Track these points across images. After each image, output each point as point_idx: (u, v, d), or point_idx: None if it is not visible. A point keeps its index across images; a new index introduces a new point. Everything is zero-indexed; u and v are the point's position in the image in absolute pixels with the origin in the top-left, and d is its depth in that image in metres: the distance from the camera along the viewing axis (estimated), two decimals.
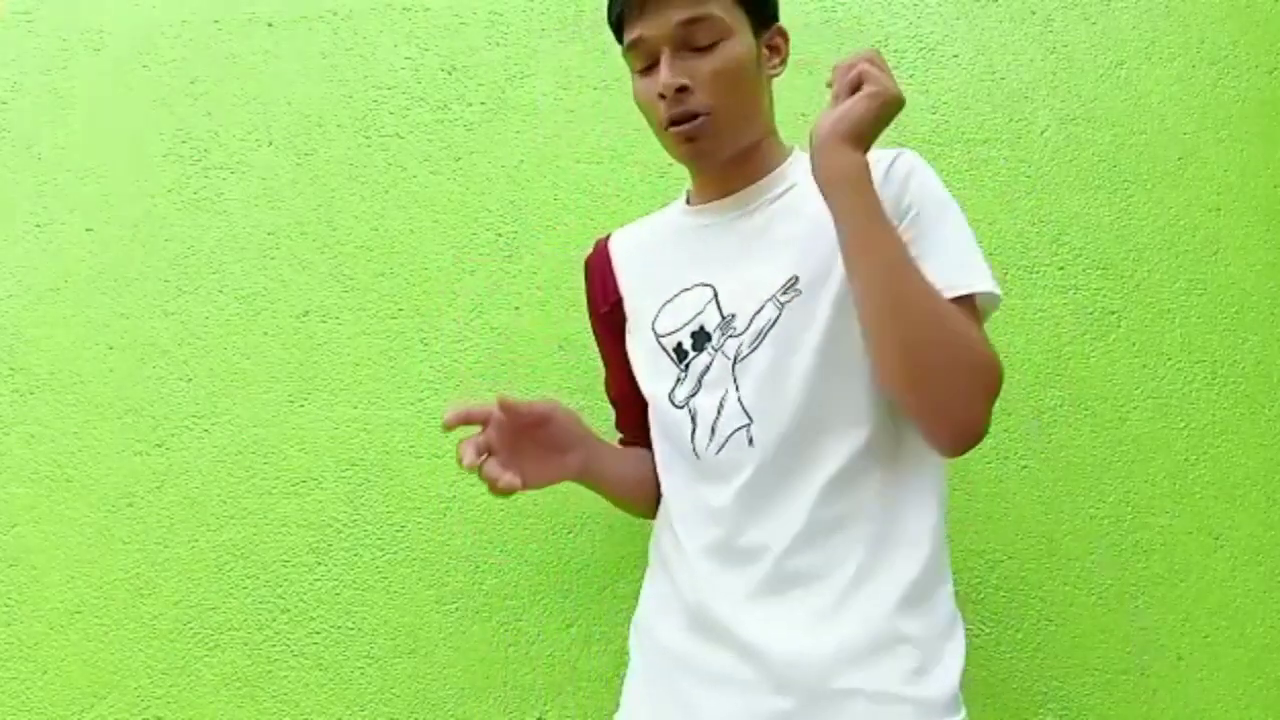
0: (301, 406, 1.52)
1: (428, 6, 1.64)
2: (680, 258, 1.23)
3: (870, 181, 1.04)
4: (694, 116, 1.13)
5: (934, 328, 1.03)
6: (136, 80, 1.62)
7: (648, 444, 1.25)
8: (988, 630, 1.47)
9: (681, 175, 1.58)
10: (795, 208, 1.17)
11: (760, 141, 1.20)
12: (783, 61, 1.22)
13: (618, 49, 1.71)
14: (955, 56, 1.63)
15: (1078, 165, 1.60)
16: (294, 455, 1.51)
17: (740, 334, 1.13)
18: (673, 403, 1.18)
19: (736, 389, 1.12)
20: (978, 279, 1.09)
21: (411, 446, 1.51)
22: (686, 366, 1.17)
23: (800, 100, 1.61)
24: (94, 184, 1.59)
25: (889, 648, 1.05)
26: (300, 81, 1.62)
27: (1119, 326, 1.56)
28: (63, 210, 1.59)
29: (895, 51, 1.63)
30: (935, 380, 1.05)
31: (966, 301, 1.08)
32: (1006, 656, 1.46)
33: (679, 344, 1.18)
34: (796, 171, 1.20)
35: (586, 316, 1.34)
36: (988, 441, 1.51)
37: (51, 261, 1.57)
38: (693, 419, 1.15)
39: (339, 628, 1.47)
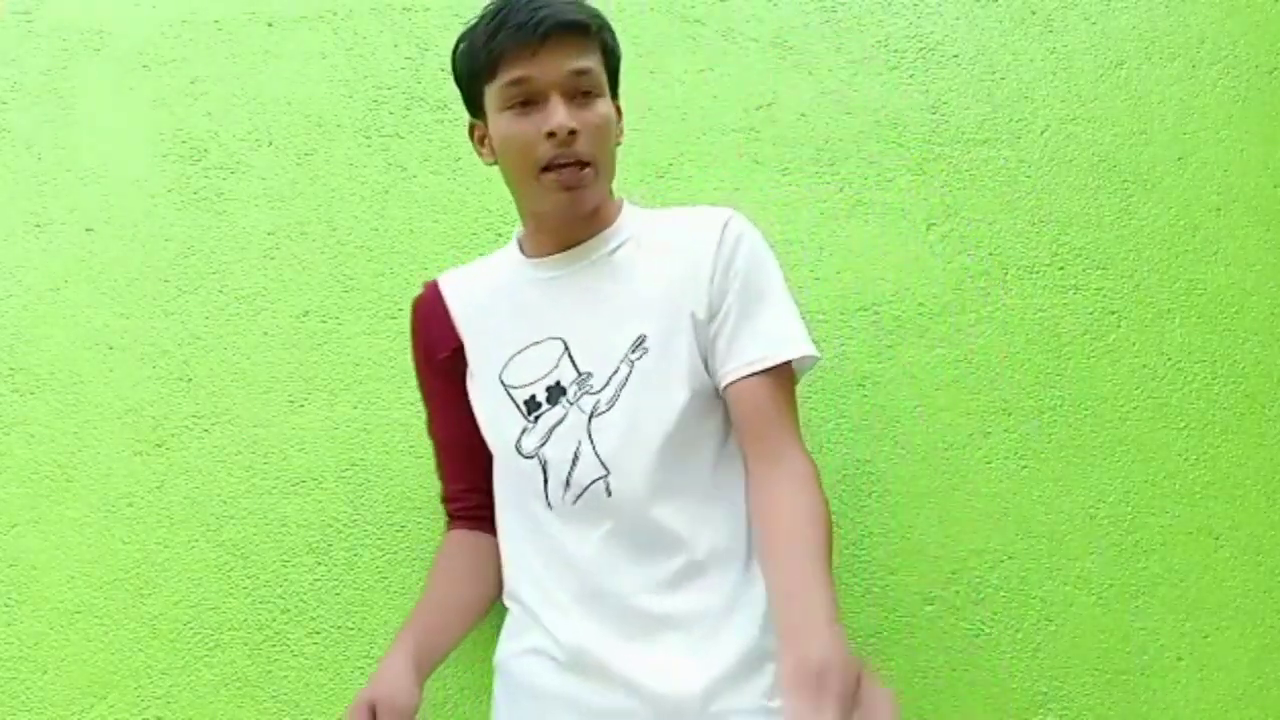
0: (301, 406, 1.52)
1: (428, 6, 1.64)
2: (525, 309, 1.25)
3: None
4: (581, 165, 1.16)
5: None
6: (136, 80, 1.62)
7: (477, 499, 1.30)
8: (988, 630, 1.47)
9: (681, 175, 1.59)
10: (633, 262, 1.23)
11: (604, 202, 1.25)
12: (622, 132, 1.26)
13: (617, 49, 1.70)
14: (955, 56, 1.63)
15: (1078, 165, 1.60)
16: (294, 455, 1.51)
17: (597, 391, 1.19)
18: (519, 451, 1.22)
19: (591, 442, 1.17)
20: (796, 347, 1.19)
21: (411, 446, 1.51)
22: (536, 418, 1.21)
23: (800, 102, 1.61)
24: (94, 184, 1.59)
25: (756, 667, 1.13)
26: (300, 81, 1.62)
27: (1119, 326, 1.56)
28: (63, 210, 1.59)
29: (895, 51, 1.63)
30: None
31: (786, 366, 1.19)
32: (1006, 656, 1.46)
33: (531, 396, 1.21)
34: (630, 225, 1.26)
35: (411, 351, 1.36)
36: (988, 441, 1.51)
37: (51, 261, 1.57)
38: (543, 469, 1.20)
39: (339, 628, 1.47)
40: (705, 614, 1.14)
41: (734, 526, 1.19)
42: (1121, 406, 1.53)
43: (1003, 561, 1.49)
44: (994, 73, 1.63)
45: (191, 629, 1.47)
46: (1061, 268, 1.57)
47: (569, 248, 1.25)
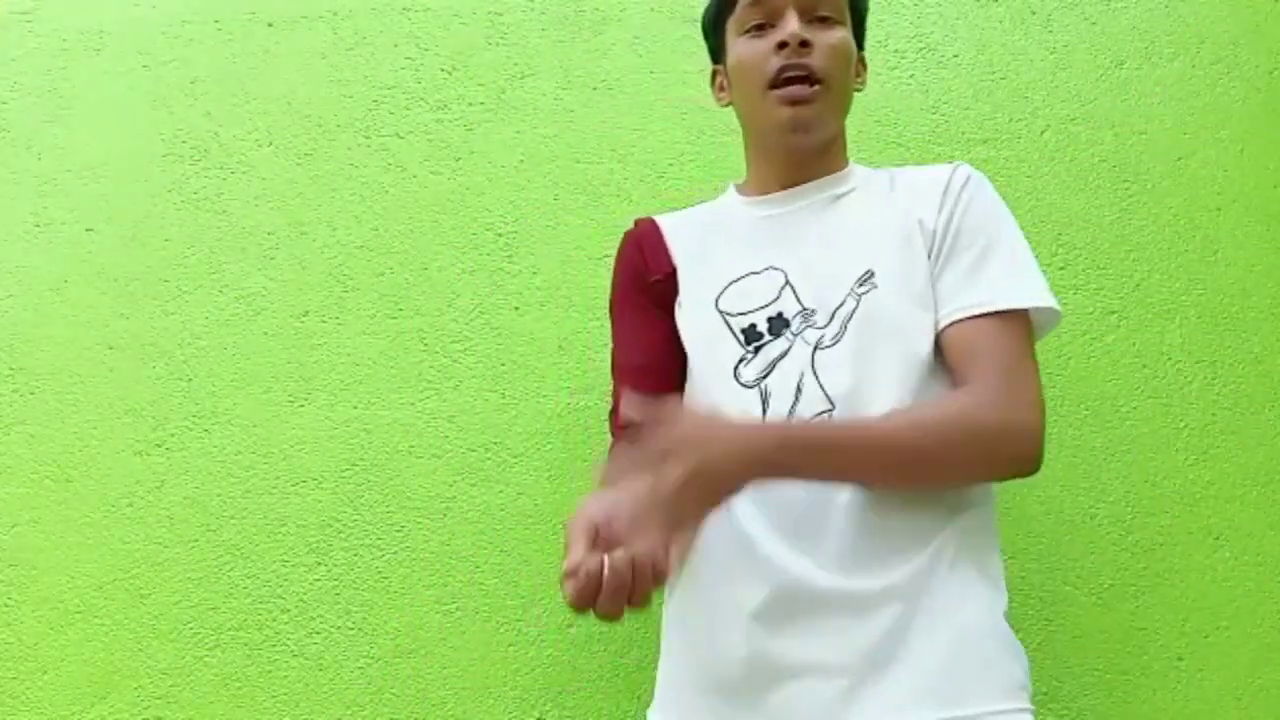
0: (301, 406, 1.52)
1: (428, 6, 1.64)
2: (742, 242, 1.22)
3: (783, 448, 1.00)
4: (809, 81, 1.15)
5: (934, 462, 1.05)
6: (136, 80, 1.62)
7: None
8: None
9: (680, 177, 1.59)
10: (859, 207, 1.20)
11: (837, 139, 1.24)
12: (863, 83, 1.26)
13: (618, 49, 1.72)
14: (955, 56, 1.63)
15: (1078, 165, 1.60)
16: (294, 455, 1.51)
17: (823, 326, 1.14)
18: (738, 380, 1.15)
19: (816, 375, 1.12)
20: (1029, 295, 1.11)
21: (411, 446, 1.51)
22: (757, 349, 1.15)
23: None
24: (94, 184, 1.59)
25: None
26: (300, 81, 1.62)
27: (1119, 326, 1.56)
28: (63, 210, 1.58)
29: (895, 52, 1.63)
30: (959, 477, 1.10)
31: (1019, 316, 1.10)
32: None
33: (751, 325, 1.17)
34: (859, 176, 1.24)
35: (610, 289, 1.31)
36: None
37: (51, 261, 1.57)
38: (764, 400, 1.13)
39: (339, 628, 1.47)
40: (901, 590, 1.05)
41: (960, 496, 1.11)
42: (1121, 406, 1.53)
43: (1002, 561, 1.49)
44: (994, 73, 1.63)
45: (191, 629, 1.47)
46: (1061, 268, 1.57)
47: (793, 185, 1.22)
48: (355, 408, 1.52)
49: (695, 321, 1.21)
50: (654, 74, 1.61)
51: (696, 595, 1.14)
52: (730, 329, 1.18)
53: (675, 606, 1.18)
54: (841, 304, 1.14)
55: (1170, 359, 1.55)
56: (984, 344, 1.09)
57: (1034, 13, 1.64)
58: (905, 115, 1.61)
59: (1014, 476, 1.12)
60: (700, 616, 1.13)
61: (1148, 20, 1.65)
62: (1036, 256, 1.56)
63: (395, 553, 1.48)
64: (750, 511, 1.09)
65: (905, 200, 1.18)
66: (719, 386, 1.16)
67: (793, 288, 1.17)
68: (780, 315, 1.16)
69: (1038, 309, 1.12)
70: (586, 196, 1.58)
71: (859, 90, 1.25)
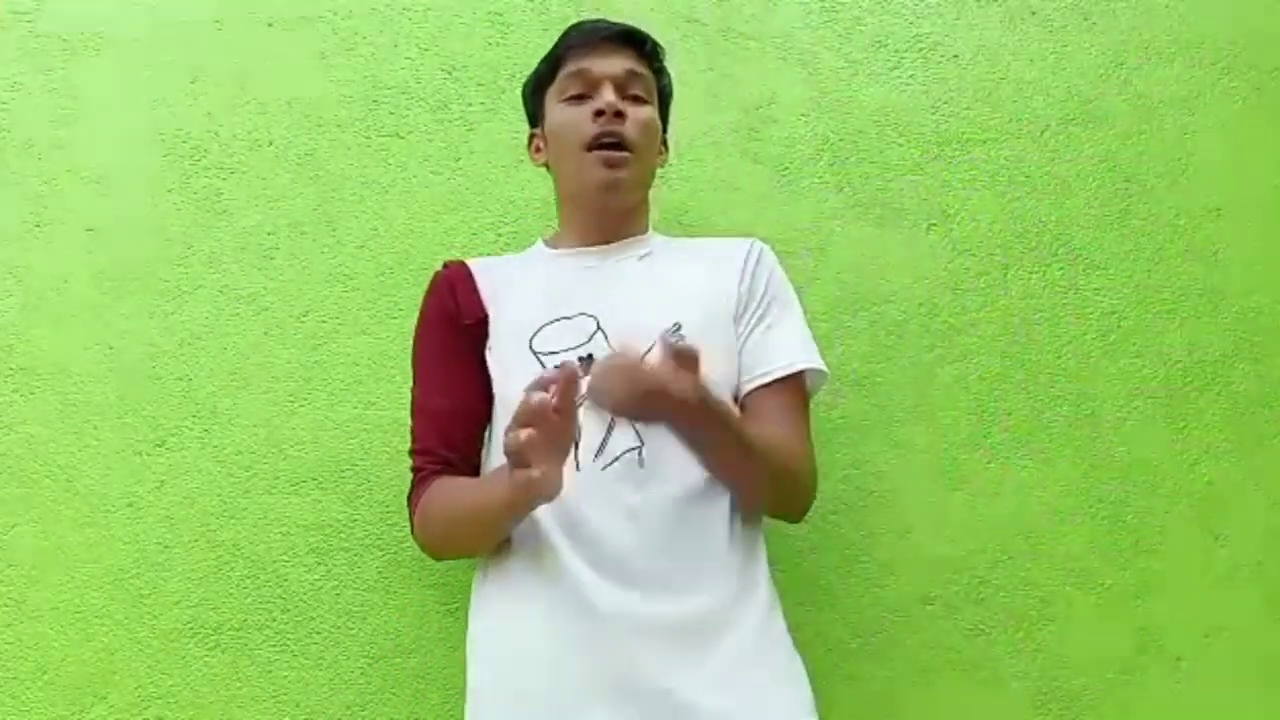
0: (301, 406, 1.52)
1: (428, 6, 1.64)
2: (556, 289, 1.29)
3: (692, 403, 1.06)
4: (623, 147, 1.25)
5: (756, 464, 1.17)
6: (136, 80, 1.62)
7: (464, 462, 1.27)
8: (988, 630, 1.47)
9: (681, 175, 1.59)
10: (663, 267, 1.31)
11: (641, 205, 1.35)
12: (664, 161, 1.39)
13: None
14: (955, 56, 1.63)
15: (1078, 165, 1.60)
16: (294, 455, 1.51)
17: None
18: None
19: None
20: (813, 358, 1.28)
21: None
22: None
23: (800, 102, 1.61)
24: (94, 184, 1.59)
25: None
26: (300, 81, 1.62)
27: (1119, 327, 1.56)
28: (63, 210, 1.58)
29: (895, 52, 1.63)
30: (766, 489, 1.22)
31: (797, 378, 1.26)
32: (1006, 656, 1.46)
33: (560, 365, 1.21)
34: (656, 242, 1.36)
35: (416, 330, 1.34)
36: (988, 441, 1.51)
37: (51, 261, 1.57)
38: (584, 442, 1.18)
39: (339, 628, 1.47)
40: (709, 614, 1.15)
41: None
42: (1121, 406, 1.53)
43: (1003, 561, 1.49)
44: (994, 73, 1.63)
45: (191, 629, 1.46)
46: (1062, 268, 1.57)
47: (604, 243, 1.32)
48: (355, 408, 1.52)
49: (508, 362, 1.26)
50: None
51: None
52: (543, 367, 1.22)
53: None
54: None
55: (1170, 359, 1.55)
56: (786, 404, 1.24)
57: (1034, 13, 1.64)
58: (905, 115, 1.61)
59: (786, 516, 1.28)
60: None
61: (1148, 20, 1.65)
62: (1037, 256, 1.58)
63: (395, 553, 1.48)
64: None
65: (706, 267, 1.30)
66: None
67: (604, 332, 1.23)
68: (591, 356, 1.22)
69: (813, 373, 1.28)
70: None
71: (661, 166, 1.37)
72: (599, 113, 1.25)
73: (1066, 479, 1.51)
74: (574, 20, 1.64)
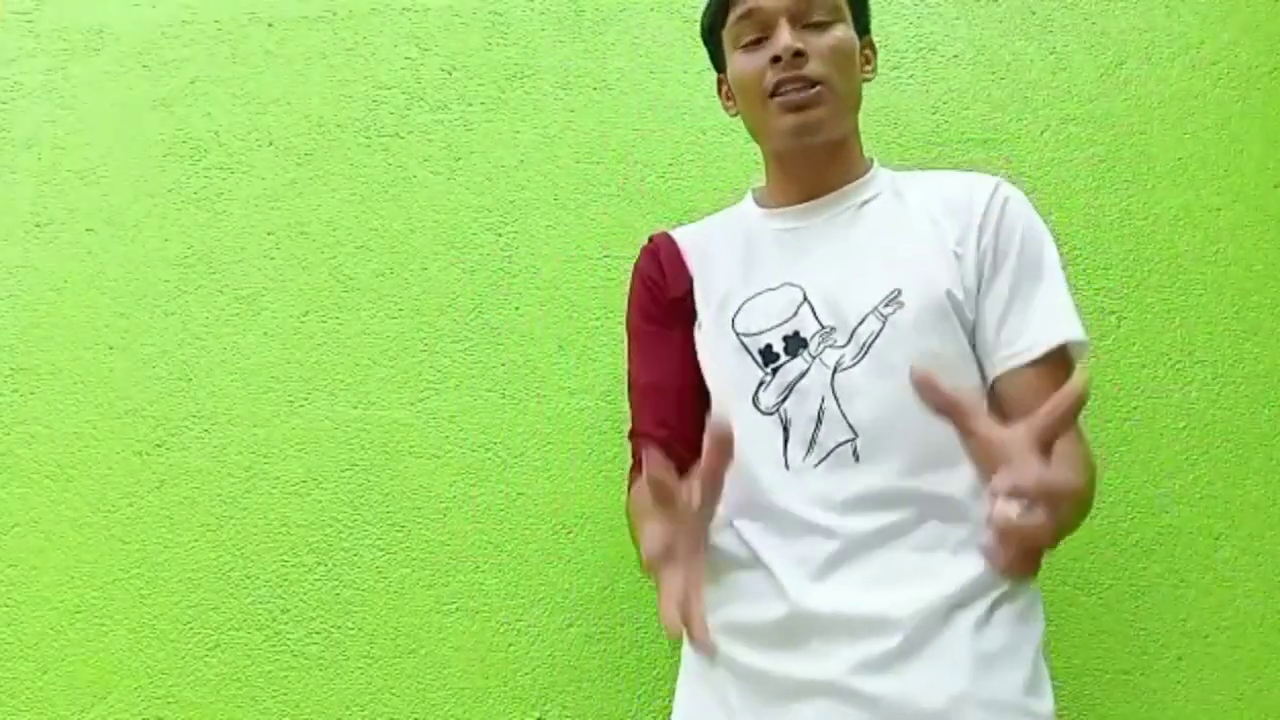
0: (301, 406, 1.52)
1: (428, 6, 1.64)
2: (761, 257, 1.18)
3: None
4: (807, 86, 1.12)
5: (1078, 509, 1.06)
6: (136, 80, 1.62)
7: (679, 441, 1.14)
8: None
9: (680, 176, 1.59)
10: (885, 217, 1.16)
11: (851, 139, 1.20)
12: (874, 68, 1.24)
13: (618, 49, 1.72)
14: (955, 56, 1.63)
15: (1078, 165, 1.60)
16: (294, 455, 1.51)
17: (842, 345, 1.10)
18: (758, 406, 1.11)
19: (837, 401, 1.08)
20: (1075, 327, 1.12)
21: (411, 447, 1.51)
22: (774, 370, 1.12)
23: None
24: (94, 184, 1.59)
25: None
26: (300, 81, 1.62)
27: (1119, 327, 1.56)
28: (63, 210, 1.58)
29: (895, 51, 1.63)
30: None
31: (1063, 351, 1.10)
32: None
33: (767, 345, 1.13)
34: (880, 180, 1.21)
35: (627, 305, 1.27)
36: None
37: (51, 261, 1.57)
38: (785, 427, 1.10)
39: (339, 628, 1.47)
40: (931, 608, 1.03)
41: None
42: (1121, 407, 1.53)
43: None
44: (994, 73, 1.63)
45: (191, 629, 1.46)
46: (1061, 268, 1.57)
47: (812, 198, 1.19)
48: (355, 408, 1.52)
49: (712, 343, 1.17)
50: (654, 74, 1.61)
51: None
52: (748, 350, 1.14)
53: None
54: (862, 322, 1.10)
55: (1170, 359, 1.55)
56: (1034, 393, 1.03)
57: (1034, 13, 1.64)
58: (905, 115, 1.61)
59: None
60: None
61: (1148, 20, 1.65)
62: None
63: (395, 553, 1.48)
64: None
65: (939, 213, 1.14)
66: (738, 412, 1.12)
67: (811, 305, 1.13)
68: (797, 334, 1.12)
69: (1076, 342, 1.11)
70: (586, 196, 1.58)
71: (868, 80, 1.22)
72: (776, 59, 1.12)
73: None
74: (571, 21, 1.65)
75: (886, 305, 1.10)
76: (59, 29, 1.63)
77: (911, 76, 1.62)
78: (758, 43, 1.15)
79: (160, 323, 1.55)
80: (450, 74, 1.63)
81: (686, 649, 1.16)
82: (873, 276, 1.12)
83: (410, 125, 1.61)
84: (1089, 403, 1.54)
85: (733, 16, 1.17)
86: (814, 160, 1.18)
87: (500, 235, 1.58)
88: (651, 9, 1.63)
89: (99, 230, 1.58)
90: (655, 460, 0.82)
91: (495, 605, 1.46)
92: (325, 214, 1.58)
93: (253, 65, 1.62)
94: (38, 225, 1.58)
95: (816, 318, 1.12)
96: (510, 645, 1.46)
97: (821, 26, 1.14)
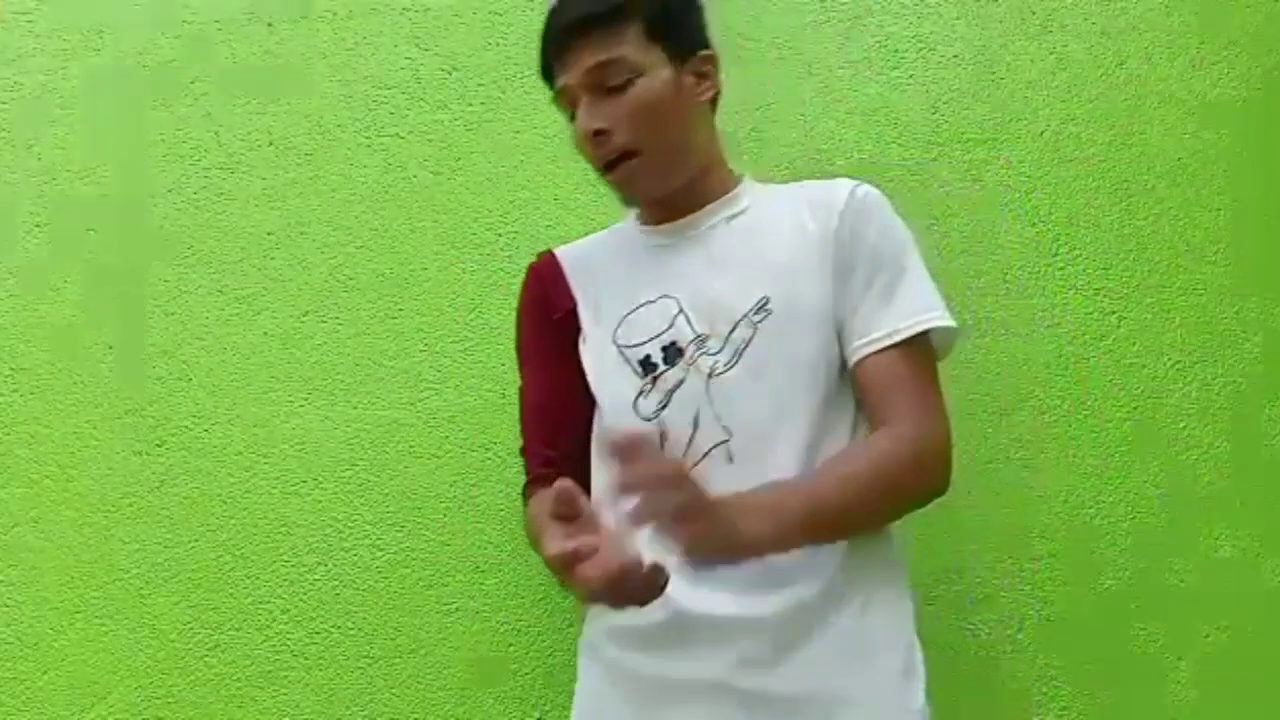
0: (301, 406, 1.52)
1: (428, 6, 1.64)
2: (637, 272, 1.23)
3: (758, 522, 0.99)
4: (621, 158, 1.15)
5: (867, 512, 1.10)
6: (136, 80, 1.62)
7: (567, 459, 1.21)
8: (988, 630, 1.47)
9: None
10: (754, 230, 1.20)
11: (702, 172, 1.22)
12: (714, 87, 1.22)
13: None
14: (955, 56, 1.63)
15: (1078, 165, 1.60)
16: (294, 455, 1.51)
17: (716, 352, 1.15)
18: (637, 413, 1.16)
19: (711, 404, 1.13)
20: (931, 317, 1.15)
21: (411, 447, 1.51)
22: (654, 380, 1.17)
23: (800, 102, 1.61)
24: (94, 184, 1.59)
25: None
26: (300, 81, 1.62)
27: (1119, 327, 1.56)
28: (63, 210, 1.58)
29: (895, 51, 1.63)
30: (892, 517, 1.16)
31: (925, 340, 1.14)
32: (1007, 656, 1.46)
33: (646, 356, 1.17)
34: (750, 196, 1.24)
35: (515, 328, 1.31)
36: (988, 441, 1.51)
37: (51, 261, 1.57)
38: (661, 435, 1.14)
39: (339, 628, 1.47)
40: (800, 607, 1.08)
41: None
42: (1121, 406, 1.53)
43: (1003, 561, 1.49)
44: (994, 73, 1.63)
45: (191, 629, 1.47)
46: (1062, 268, 1.57)
47: (682, 217, 1.22)
48: (355, 408, 1.52)
49: (596, 357, 1.22)
50: None
51: None
52: (628, 361, 1.18)
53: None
54: (734, 329, 1.14)
55: (1170, 359, 1.55)
56: (897, 376, 1.12)
57: (1034, 13, 1.64)
58: (905, 115, 1.61)
59: (930, 500, 1.16)
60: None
61: (1148, 20, 1.64)
62: (1036, 257, 1.57)
63: (395, 553, 1.48)
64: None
65: (805, 219, 1.18)
66: (621, 422, 1.17)
67: (686, 315, 1.17)
68: (674, 344, 1.16)
69: (940, 330, 1.15)
70: (586, 197, 1.58)
71: (706, 99, 1.21)
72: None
73: (1066, 479, 1.51)
74: None
75: (756, 313, 1.14)
76: (59, 29, 1.63)
77: (911, 76, 1.62)
78: (576, 112, 1.17)
79: (160, 323, 1.55)
80: (450, 74, 1.63)
81: (580, 653, 1.22)
82: (743, 285, 1.16)
83: (410, 125, 1.61)
84: (1089, 403, 1.55)
85: (555, 90, 1.20)
86: (666, 200, 1.22)
87: (500, 235, 1.58)
88: None
89: (99, 230, 1.58)
90: (565, 492, 0.90)
91: (495, 605, 1.46)
92: (325, 214, 1.58)
93: (253, 65, 1.62)
94: (38, 225, 1.58)
95: (692, 326, 1.16)
96: (510, 645, 1.46)
97: (622, 89, 1.14)
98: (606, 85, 1.14)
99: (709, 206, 1.22)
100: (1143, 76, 1.63)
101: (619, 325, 1.20)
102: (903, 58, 1.63)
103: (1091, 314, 1.56)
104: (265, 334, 1.55)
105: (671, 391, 1.15)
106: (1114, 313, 1.56)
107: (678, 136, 1.18)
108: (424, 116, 1.61)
